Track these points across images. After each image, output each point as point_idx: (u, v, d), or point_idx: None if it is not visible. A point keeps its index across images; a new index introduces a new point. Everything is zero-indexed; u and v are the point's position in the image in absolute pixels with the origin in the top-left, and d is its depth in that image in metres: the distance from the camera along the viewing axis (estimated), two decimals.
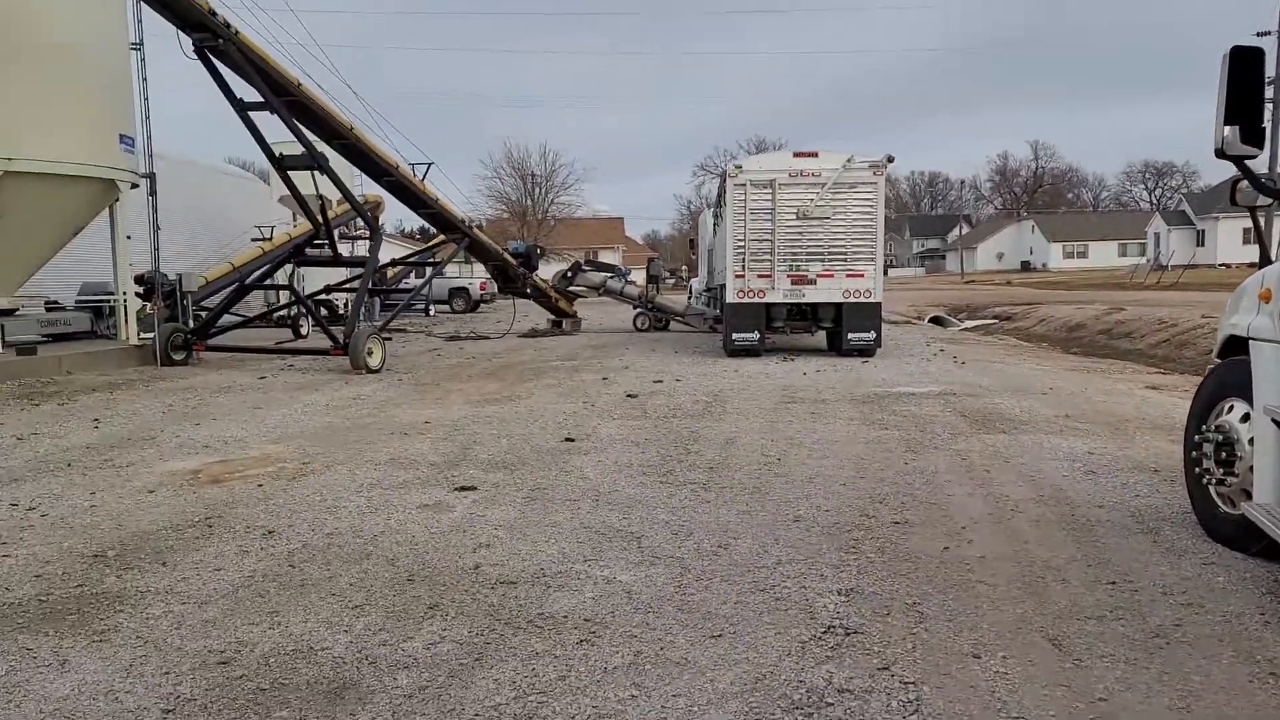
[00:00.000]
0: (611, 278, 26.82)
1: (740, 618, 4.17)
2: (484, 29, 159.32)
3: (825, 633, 4.01)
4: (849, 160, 16.54)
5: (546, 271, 29.51)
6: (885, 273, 24.11)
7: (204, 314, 18.25)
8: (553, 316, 25.75)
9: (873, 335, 16.60)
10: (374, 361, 15.14)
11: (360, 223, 25.24)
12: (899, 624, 4.10)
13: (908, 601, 4.38)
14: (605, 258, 68.08)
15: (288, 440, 8.74)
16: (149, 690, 3.48)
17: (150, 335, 16.31)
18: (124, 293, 16.68)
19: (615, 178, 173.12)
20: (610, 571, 4.80)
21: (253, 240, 27.18)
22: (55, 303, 18.72)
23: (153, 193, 17.46)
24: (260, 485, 6.84)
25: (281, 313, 23.14)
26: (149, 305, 16.88)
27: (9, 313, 15.87)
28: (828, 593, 4.49)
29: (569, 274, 26.40)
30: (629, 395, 11.60)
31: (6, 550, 5.24)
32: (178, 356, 16.21)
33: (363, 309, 17.71)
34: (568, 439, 8.58)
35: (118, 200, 16.28)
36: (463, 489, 6.66)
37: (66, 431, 9.33)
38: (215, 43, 15.25)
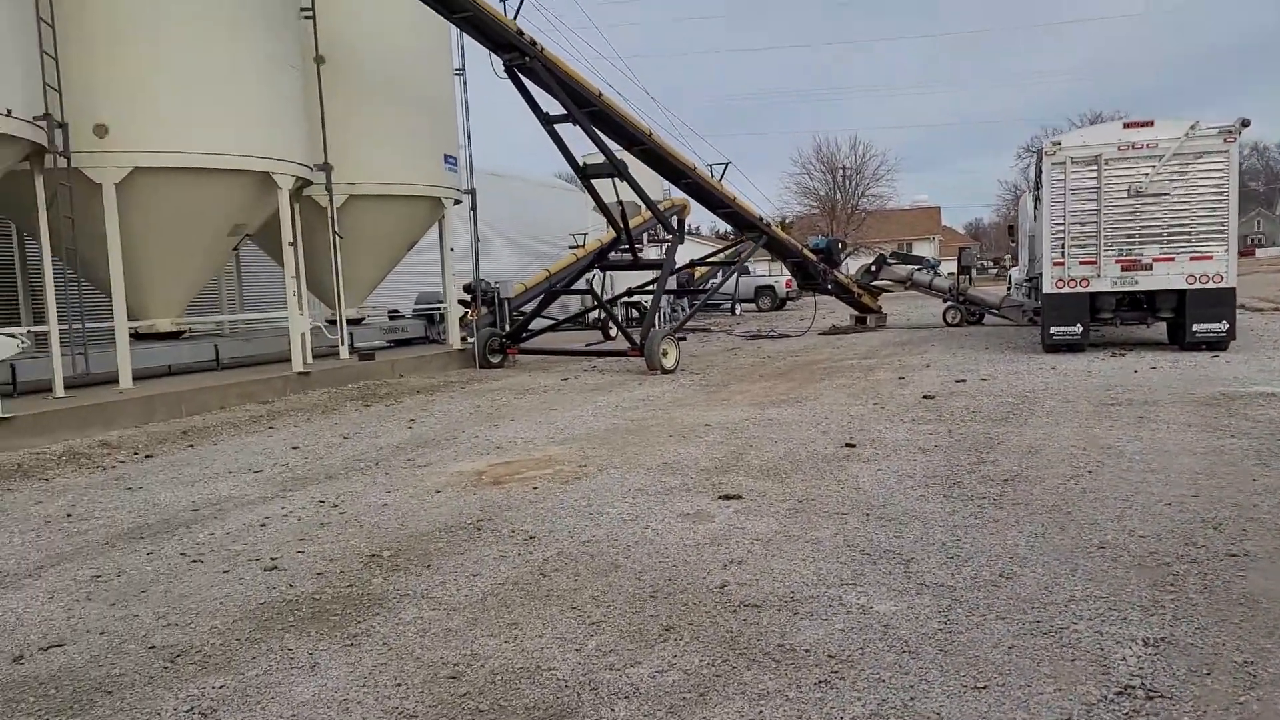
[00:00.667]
0: (919, 270, 25.49)
1: (1013, 666, 3.56)
2: (797, 23, 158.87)
3: (1120, 694, 3.32)
4: (1193, 127, 14.48)
5: (855, 266, 28.66)
6: (1249, 254, 20.93)
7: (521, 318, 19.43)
8: (856, 313, 24.91)
9: (1224, 326, 14.43)
10: (668, 362, 15.31)
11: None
12: (1223, 689, 3.31)
13: (1237, 660, 3.55)
14: (920, 249, 65.38)
15: (571, 442, 8.93)
16: (378, 702, 3.51)
17: (472, 340, 17.59)
18: (449, 301, 18.11)
19: (931, 165, 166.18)
20: (867, 599, 4.32)
21: (569, 248, 28.69)
22: (397, 311, 20.72)
23: (473, 208, 18.80)
24: (535, 488, 6.98)
25: (593, 315, 24.21)
26: (469, 312, 18.20)
27: (356, 322, 17.73)
28: (1129, 641, 3.75)
29: (873, 268, 25.42)
30: (925, 396, 10.80)
31: (303, 546, 5.65)
32: (494, 359, 17.34)
33: (660, 309, 18.01)
34: (848, 444, 8.07)
35: (443, 216, 17.71)
36: (727, 497, 6.40)
37: (385, 431, 10.14)
38: (522, 60, 16.14)
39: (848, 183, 71.93)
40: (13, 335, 7.20)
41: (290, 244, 13.36)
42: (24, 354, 9.53)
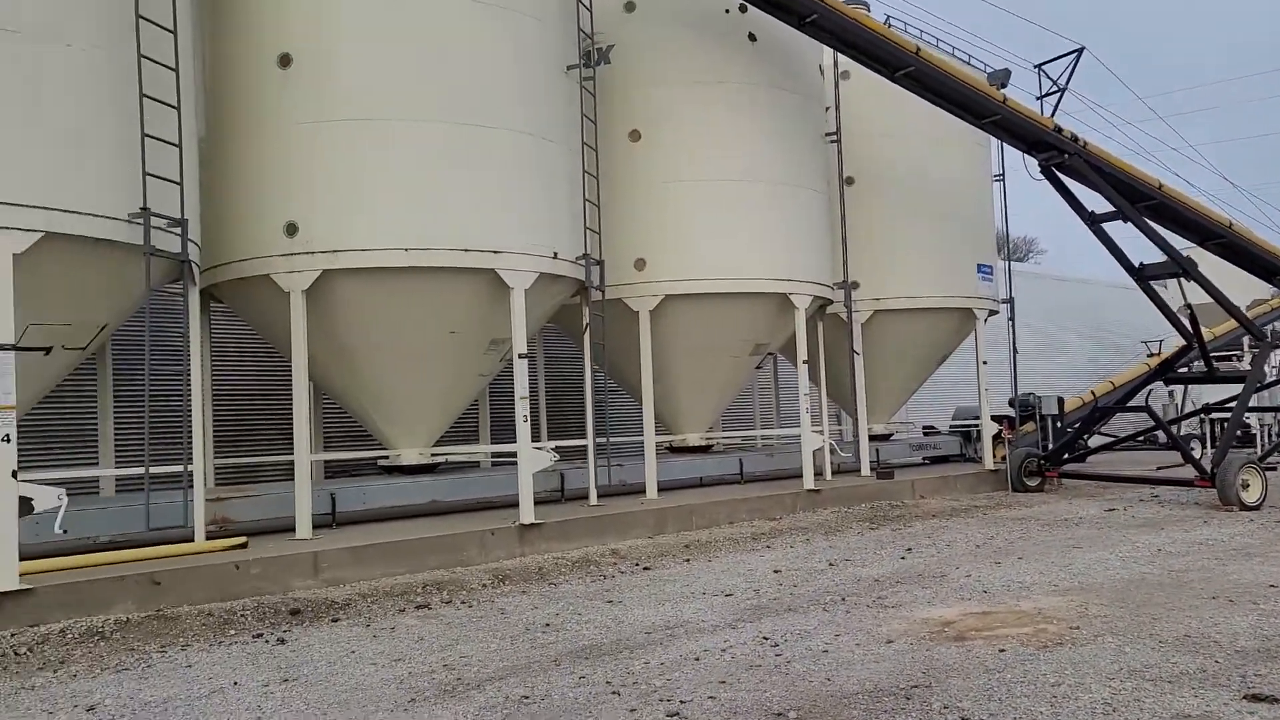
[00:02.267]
0: None
1: None
2: None
3: None
4: None
5: None
6: None
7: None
8: None
9: None
10: (1249, 496, 12.52)
11: None
12: None
13: None
14: None
15: (1076, 593, 7.52)
16: None
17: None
18: (983, 417, 16.93)
19: None
20: None
21: (1148, 355, 25.45)
22: (932, 428, 19.93)
23: (1011, 318, 17.53)
24: (1001, 651, 5.90)
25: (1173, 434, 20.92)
26: (1004, 429, 16.80)
27: (883, 438, 17.36)
28: None
29: None
30: None
31: (718, 692, 5.35)
32: (1030, 482, 15.72)
33: (1244, 430, 14.93)
34: None
35: (976, 328, 16.75)
36: (1257, 698, 4.77)
37: (875, 560, 9.54)
38: (1061, 159, 14.87)
39: None
40: (55, 487, 7.99)
41: (805, 362, 13.53)
42: (556, 465, 10.73)
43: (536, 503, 10.29)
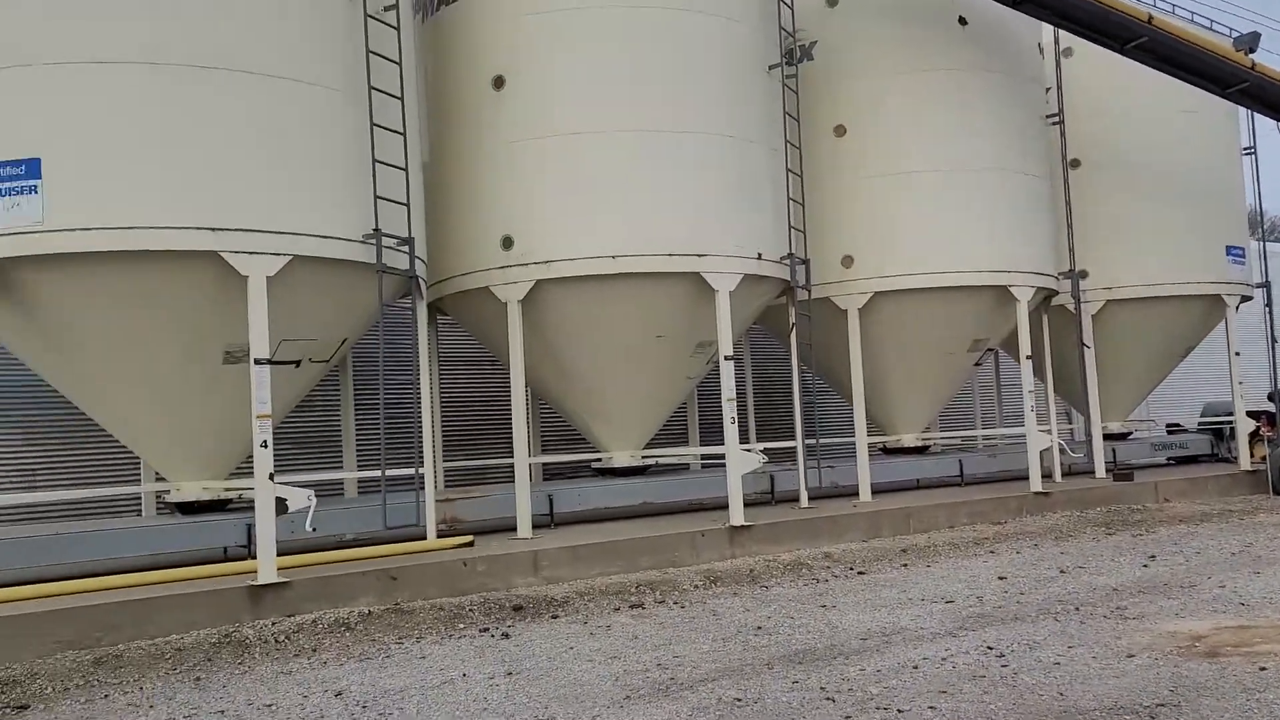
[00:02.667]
0: None
1: None
2: None
3: None
4: None
5: None
6: None
7: None
8: None
9: None
10: None
11: None
12: None
13: None
14: None
15: None
16: None
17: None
18: (1237, 413, 15.44)
19: None
20: None
21: None
22: (1177, 425, 18.38)
23: (1268, 304, 15.88)
24: (1262, 669, 5.36)
25: None
26: (1263, 426, 15.26)
27: (1120, 436, 16.15)
28: None
29: None
30: None
31: (937, 702, 5.14)
32: None
33: None
34: None
35: (1226, 316, 15.31)
36: None
37: (1113, 568, 8.91)
38: None
39: None
40: (305, 489, 8.16)
41: (1028, 357, 12.81)
42: (765, 467, 10.64)
43: (746, 505, 10.27)
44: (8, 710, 5.82)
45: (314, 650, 6.93)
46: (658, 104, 10.04)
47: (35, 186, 7.31)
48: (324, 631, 7.31)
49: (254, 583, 7.51)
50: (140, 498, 10.46)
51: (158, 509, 10.16)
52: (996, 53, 13.07)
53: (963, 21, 12.72)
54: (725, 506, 10.22)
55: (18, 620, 6.72)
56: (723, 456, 10.50)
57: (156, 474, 10.69)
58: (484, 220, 10.18)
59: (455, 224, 10.41)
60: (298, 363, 8.70)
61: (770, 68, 11.08)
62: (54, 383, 8.84)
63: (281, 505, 7.75)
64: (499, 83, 10.11)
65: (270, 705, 5.67)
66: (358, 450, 10.88)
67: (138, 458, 10.64)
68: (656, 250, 9.93)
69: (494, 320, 10.28)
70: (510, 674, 6.12)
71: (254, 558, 8.13)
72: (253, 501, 8.85)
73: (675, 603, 8.15)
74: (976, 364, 14.33)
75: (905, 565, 9.54)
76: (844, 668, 5.90)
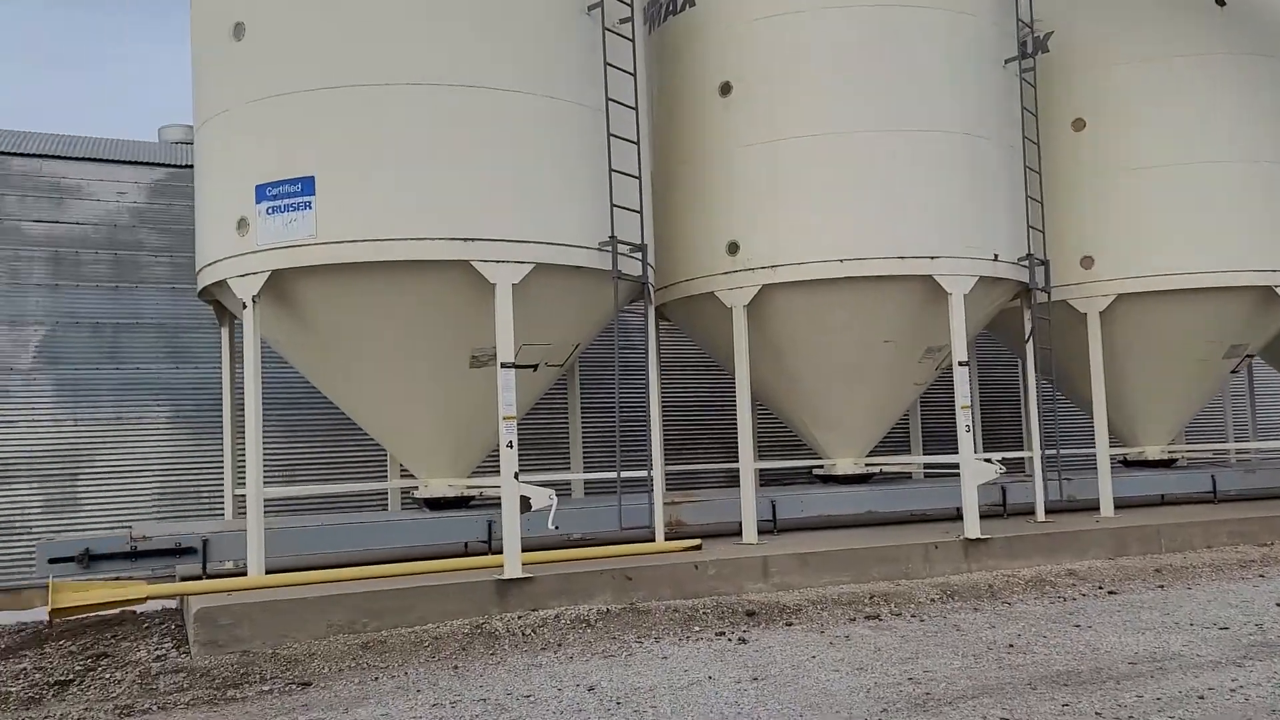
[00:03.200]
0: None
1: None
2: None
3: None
4: None
5: None
6: None
7: None
8: None
9: None
10: None
11: None
12: None
13: None
14: None
15: None
16: None
17: None
18: None
19: None
20: None
21: None
22: None
23: None
24: None
25: None
26: None
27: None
28: None
29: None
30: None
31: None
32: None
33: None
34: None
35: None
36: None
37: None
38: None
39: None
40: (546, 488, 8.01)
41: None
42: (998, 479, 10.12)
43: (979, 517, 9.85)
44: (293, 686, 6.32)
45: (558, 645, 7.15)
46: (890, 104, 9.80)
47: (309, 203, 7.93)
48: (566, 627, 7.54)
49: (501, 577, 7.84)
50: (386, 493, 11.18)
51: (403, 504, 10.80)
52: (1261, 33, 12.01)
53: (1220, 2, 11.74)
54: (951, 518, 9.86)
55: (296, 604, 7.29)
56: (950, 466, 10.11)
57: (401, 470, 11.41)
58: (710, 226, 10.24)
59: (680, 230, 10.52)
60: (535, 366, 9.03)
61: (1006, 62, 10.61)
62: (318, 383, 9.56)
63: (525, 503, 8.05)
64: (725, 89, 10.15)
65: (528, 696, 5.88)
66: (584, 452, 11.19)
67: (382, 456, 11.42)
68: (887, 253, 9.69)
69: (718, 325, 10.31)
70: (756, 679, 6.10)
71: (494, 553, 8.52)
72: (492, 499, 9.29)
73: (913, 615, 7.90)
74: (1234, 371, 13.17)
75: (1162, 586, 8.88)
76: (1116, 693, 5.53)
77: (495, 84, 8.17)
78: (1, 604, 10.68)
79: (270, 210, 8.01)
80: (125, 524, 11.24)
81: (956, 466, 9.99)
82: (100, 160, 14.09)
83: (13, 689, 6.41)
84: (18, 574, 10.88)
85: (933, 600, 8.45)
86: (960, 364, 9.84)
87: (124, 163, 14.16)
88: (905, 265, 9.73)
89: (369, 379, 8.91)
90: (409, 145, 7.99)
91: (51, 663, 7.17)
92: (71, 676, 6.65)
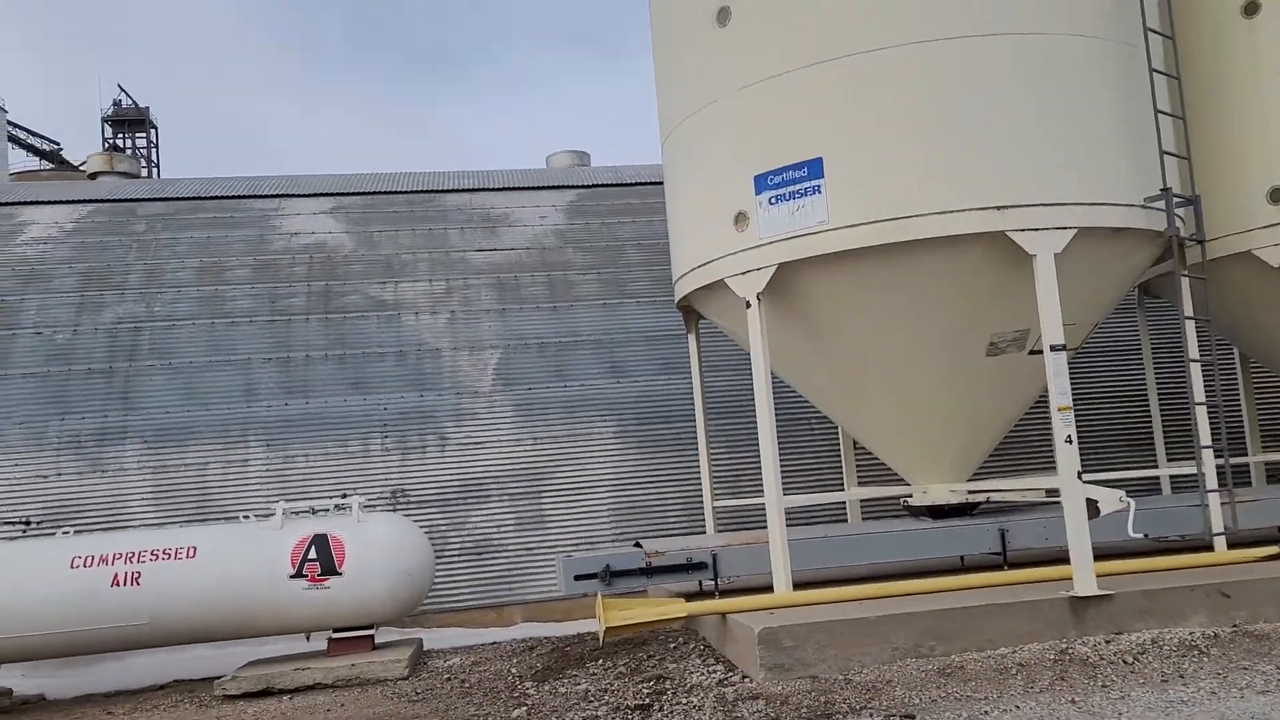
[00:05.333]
0: None
1: None
2: None
3: None
4: None
5: None
6: None
7: None
8: None
9: None
10: None
11: None
12: None
13: None
14: None
15: None
16: None
17: None
18: None
19: None
20: None
21: None
22: None
23: None
24: None
25: None
26: None
27: None
28: None
29: None
30: None
31: None
32: None
33: None
34: None
35: None
36: None
37: None
38: None
39: None
40: (1116, 489, 6.07)
41: None
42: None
43: None
44: (895, 718, 5.58)
45: (1180, 676, 5.93)
46: None
47: (818, 187, 7.28)
48: (1172, 653, 6.30)
49: (1072, 593, 6.73)
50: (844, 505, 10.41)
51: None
52: None
53: None
54: None
55: (854, 625, 6.58)
56: None
57: (859, 478, 10.59)
58: (1240, 171, 8.51)
59: (1199, 178, 8.78)
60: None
61: None
62: (799, 383, 8.92)
63: (1092, 508, 6.89)
64: (1251, 8, 8.46)
65: None
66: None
67: (836, 466, 10.71)
68: None
69: (1266, 294, 8.56)
70: None
71: (1007, 566, 7.50)
72: (1004, 505, 8.23)
73: None
74: None
75: None
76: None
77: (1013, 28, 7.14)
78: (487, 620, 11.02)
79: (773, 200, 7.45)
80: (588, 540, 11.34)
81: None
82: (519, 189, 14.68)
83: (598, 712, 6.16)
84: (498, 591, 11.14)
85: None
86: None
87: (542, 188, 14.68)
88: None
89: (868, 376, 8.12)
90: (923, 111, 7.13)
91: (603, 683, 6.95)
92: (647, 700, 6.32)
